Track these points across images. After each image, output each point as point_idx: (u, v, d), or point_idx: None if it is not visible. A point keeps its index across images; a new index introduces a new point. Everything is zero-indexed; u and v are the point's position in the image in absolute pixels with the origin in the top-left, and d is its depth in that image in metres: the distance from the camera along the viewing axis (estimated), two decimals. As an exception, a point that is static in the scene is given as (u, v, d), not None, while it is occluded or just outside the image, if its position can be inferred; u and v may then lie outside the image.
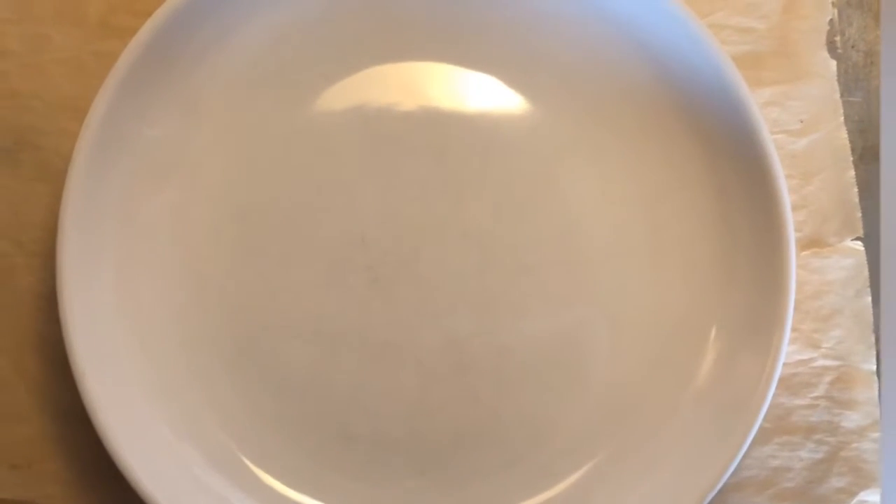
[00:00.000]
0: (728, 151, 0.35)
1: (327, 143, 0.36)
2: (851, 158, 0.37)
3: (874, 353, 0.36)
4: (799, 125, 0.37)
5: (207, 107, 0.35)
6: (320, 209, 0.36)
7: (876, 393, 0.36)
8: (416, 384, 0.35)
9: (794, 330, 0.36)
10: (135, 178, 0.35)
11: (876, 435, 0.36)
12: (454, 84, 0.36)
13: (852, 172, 0.37)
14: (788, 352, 0.35)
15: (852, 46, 0.38)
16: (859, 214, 0.37)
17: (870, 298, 0.37)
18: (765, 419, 0.34)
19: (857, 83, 0.38)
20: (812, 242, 0.37)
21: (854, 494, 0.36)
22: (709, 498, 0.33)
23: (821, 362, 0.37)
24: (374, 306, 0.35)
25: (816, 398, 0.36)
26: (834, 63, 0.37)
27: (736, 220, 0.35)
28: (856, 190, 0.37)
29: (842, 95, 0.37)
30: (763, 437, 0.36)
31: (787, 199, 0.34)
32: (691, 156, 0.36)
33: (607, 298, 0.36)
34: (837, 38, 0.38)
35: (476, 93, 0.36)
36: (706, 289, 0.35)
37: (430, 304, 0.35)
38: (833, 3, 0.38)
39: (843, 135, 0.37)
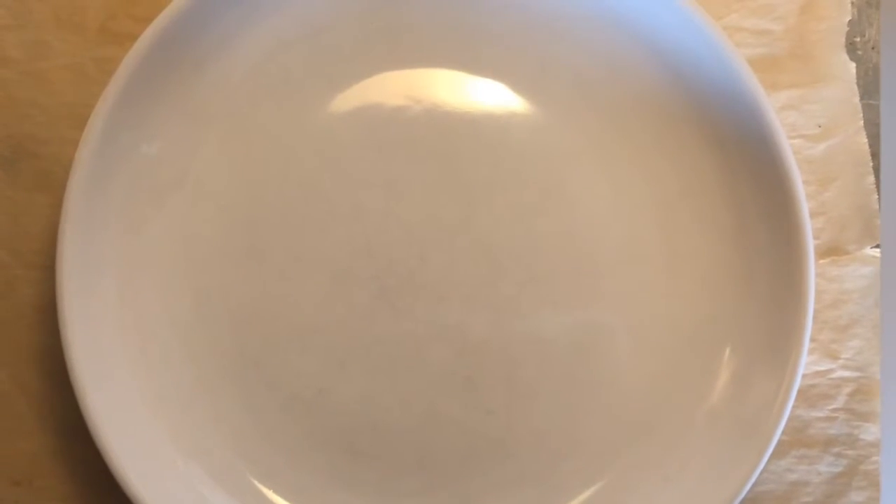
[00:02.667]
0: (744, 157, 0.34)
1: (333, 150, 0.35)
2: (871, 164, 0.36)
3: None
4: (817, 130, 0.36)
5: (211, 115, 0.35)
6: (326, 218, 0.35)
7: (896, 405, 0.35)
8: (425, 397, 0.34)
9: (812, 340, 0.35)
10: (137, 188, 0.34)
11: (896, 447, 0.35)
12: (462, 90, 0.35)
13: (872, 178, 0.36)
14: (806, 363, 0.34)
15: (872, 48, 0.37)
16: (878, 221, 0.36)
17: (888, 307, 0.36)
18: (782, 432, 0.33)
19: (877, 86, 0.37)
20: (830, 250, 0.36)
21: (874, 509, 0.35)
22: None
23: (839, 373, 0.36)
24: (382, 317, 0.35)
25: (835, 410, 0.36)
26: (853, 66, 0.36)
27: (752, 229, 0.34)
28: (875, 196, 0.36)
29: (861, 98, 0.36)
30: (780, 450, 0.35)
31: (805, 207, 0.33)
32: (706, 162, 0.35)
33: (620, 308, 0.35)
34: (858, 40, 0.37)
35: (484, 99, 0.35)
36: (722, 300, 0.35)
37: (439, 314, 0.35)
38: (853, 3, 0.37)
39: (863, 139, 0.36)
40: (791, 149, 0.33)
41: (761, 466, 0.32)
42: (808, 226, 0.33)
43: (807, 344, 0.33)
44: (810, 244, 0.33)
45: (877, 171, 0.36)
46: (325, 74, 0.35)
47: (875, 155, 0.36)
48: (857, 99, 0.36)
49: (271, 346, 0.34)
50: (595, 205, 0.35)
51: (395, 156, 0.35)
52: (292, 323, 0.34)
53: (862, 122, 0.36)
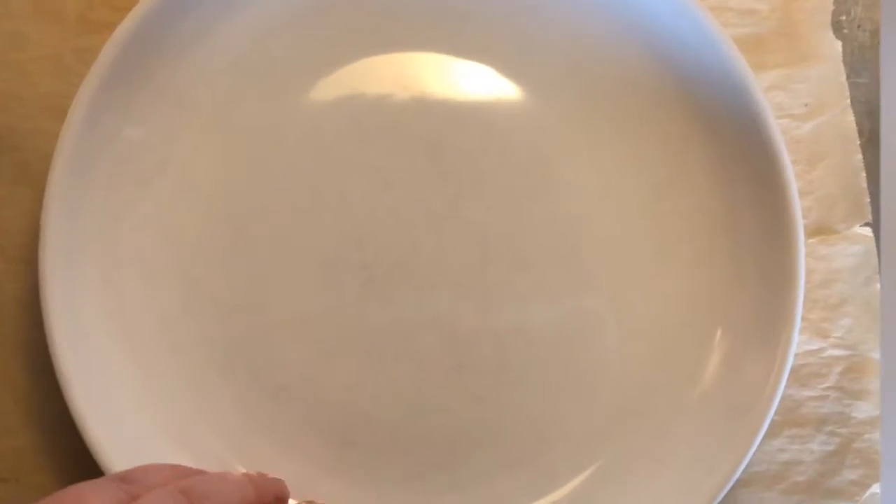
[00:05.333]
0: (733, 139, 0.34)
1: (318, 138, 0.35)
2: (858, 142, 0.36)
3: (885, 341, 0.36)
4: (804, 109, 0.36)
5: (193, 103, 0.34)
6: (312, 207, 0.34)
7: (887, 382, 0.35)
8: (415, 386, 0.34)
9: (802, 320, 0.35)
10: (119, 177, 0.34)
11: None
12: (449, 74, 0.35)
13: (860, 156, 0.36)
14: (797, 342, 0.34)
15: (858, 26, 0.37)
16: (867, 200, 0.36)
17: (879, 286, 0.36)
18: (775, 412, 0.33)
19: (863, 64, 0.37)
20: (819, 229, 0.36)
21: (867, 487, 0.35)
22: (717, 500, 0.32)
23: (830, 352, 0.36)
24: (370, 306, 0.34)
25: (827, 389, 0.36)
26: (839, 44, 0.36)
27: (742, 211, 0.34)
28: (863, 174, 0.36)
29: (848, 77, 0.36)
30: (773, 430, 0.35)
31: (794, 188, 0.33)
32: (694, 145, 0.35)
33: (611, 293, 0.35)
34: (843, 18, 0.37)
35: (471, 83, 0.35)
36: (712, 283, 0.34)
37: (428, 302, 0.34)
38: (838, -18, 0.37)
39: (850, 118, 0.36)
40: (779, 130, 0.33)
41: (755, 447, 0.32)
42: (799, 210, 0.33)
43: (798, 323, 0.33)
44: (800, 225, 0.33)
45: (863, 147, 0.36)
46: (308, 60, 0.35)
47: (862, 132, 0.36)
48: (843, 77, 0.36)
49: (258, 336, 0.34)
50: (583, 190, 0.35)
51: (382, 142, 0.35)
52: (279, 312, 0.34)
53: (849, 101, 0.36)
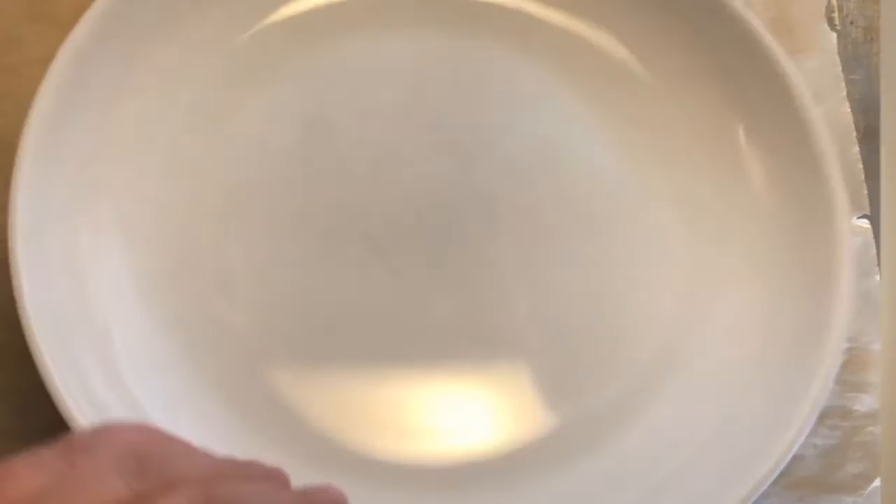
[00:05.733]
0: (746, 85, 0.34)
1: (313, 99, 0.34)
2: (855, 134, 0.36)
3: (885, 333, 0.35)
4: (800, 101, 0.37)
5: (181, 77, 0.34)
6: (311, 176, 0.33)
7: (888, 375, 0.35)
8: (427, 362, 0.32)
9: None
10: (101, 152, 0.32)
11: (889, 418, 0.35)
12: (457, 41, 0.35)
13: (856, 148, 0.36)
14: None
15: (851, 22, 0.38)
16: (865, 191, 0.36)
17: (878, 278, 0.36)
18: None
19: (857, 60, 0.37)
20: (818, 222, 0.36)
21: (871, 480, 0.35)
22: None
23: (831, 345, 0.36)
24: (377, 279, 0.33)
25: (828, 382, 0.35)
26: (834, 35, 0.37)
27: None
28: (860, 166, 0.36)
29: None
30: (776, 424, 0.35)
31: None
32: (712, 104, 0.35)
33: (631, 259, 0.34)
34: (835, 15, 0.37)
35: (478, 39, 0.35)
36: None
37: (439, 274, 0.33)
38: (830, -25, 0.37)
39: (846, 109, 0.37)
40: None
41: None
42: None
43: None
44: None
45: (858, 143, 0.37)
46: (302, 28, 0.35)
47: (858, 128, 0.37)
48: (839, 69, 0.37)
49: (251, 311, 0.32)
50: (601, 153, 0.35)
51: (384, 104, 0.34)
52: (279, 287, 0.32)
53: (844, 93, 0.37)
